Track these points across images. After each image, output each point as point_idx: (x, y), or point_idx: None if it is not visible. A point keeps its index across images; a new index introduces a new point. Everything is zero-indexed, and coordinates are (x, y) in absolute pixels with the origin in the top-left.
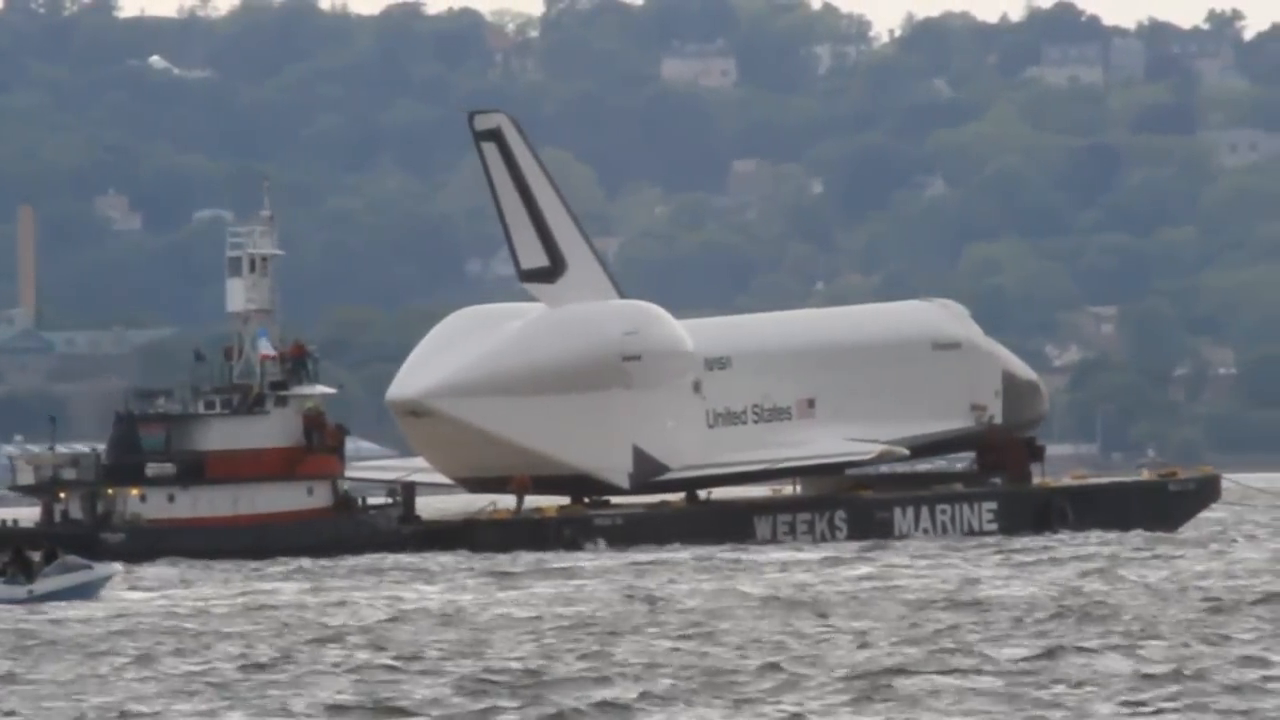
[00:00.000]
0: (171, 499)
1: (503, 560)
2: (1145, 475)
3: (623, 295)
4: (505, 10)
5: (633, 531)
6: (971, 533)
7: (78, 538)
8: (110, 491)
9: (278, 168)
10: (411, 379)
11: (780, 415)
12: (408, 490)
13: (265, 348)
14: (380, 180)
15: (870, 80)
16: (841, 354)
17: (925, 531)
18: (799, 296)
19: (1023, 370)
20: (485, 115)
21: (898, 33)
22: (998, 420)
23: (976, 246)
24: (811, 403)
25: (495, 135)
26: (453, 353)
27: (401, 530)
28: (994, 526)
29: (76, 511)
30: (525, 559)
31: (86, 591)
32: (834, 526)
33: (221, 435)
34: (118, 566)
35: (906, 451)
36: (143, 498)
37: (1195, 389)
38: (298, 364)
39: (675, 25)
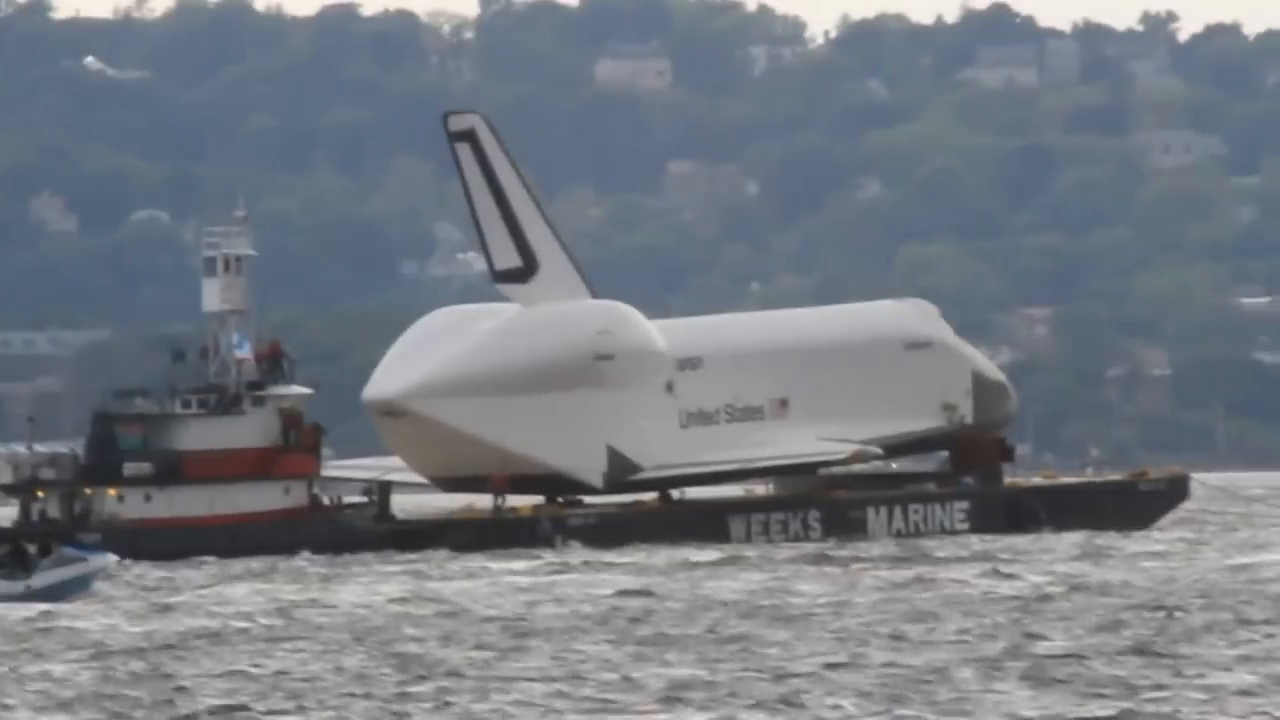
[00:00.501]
0: (148, 499)
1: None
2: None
3: (595, 295)
4: (441, 12)
5: (607, 531)
6: (944, 532)
7: (55, 537)
8: (88, 491)
9: (212, 168)
10: (387, 379)
11: (753, 415)
12: (383, 490)
13: (244, 352)
14: (315, 181)
15: (805, 81)
16: (814, 354)
17: (898, 531)
18: (734, 297)
19: (992, 370)
20: (459, 116)
21: (833, 34)
22: (969, 420)
23: (911, 247)
24: (784, 402)
25: (469, 136)
26: (428, 353)
27: (377, 529)
28: (965, 526)
29: (54, 511)
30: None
31: (82, 584)
32: (807, 526)
33: (199, 435)
34: (113, 558)
35: (880, 451)
36: (120, 497)
37: (1129, 390)
38: (274, 364)
39: (610, 26)
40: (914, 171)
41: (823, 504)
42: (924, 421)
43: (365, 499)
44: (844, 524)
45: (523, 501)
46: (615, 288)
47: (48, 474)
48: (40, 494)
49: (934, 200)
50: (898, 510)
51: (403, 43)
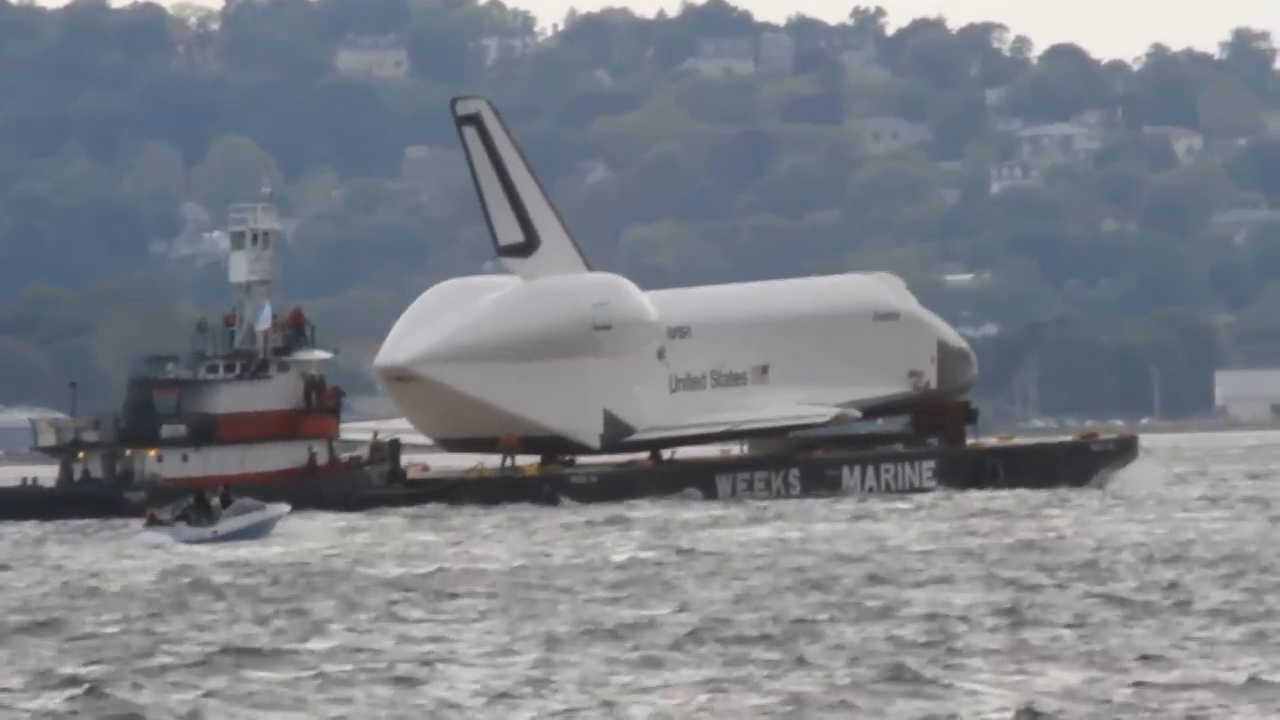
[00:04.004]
0: (185, 459)
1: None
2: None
3: (591, 269)
4: (187, 4)
5: (606, 488)
6: (912, 489)
7: (100, 497)
8: (128, 452)
9: None
10: (398, 347)
11: (736, 380)
12: (393, 449)
13: (265, 322)
14: (68, 165)
15: (536, 71)
16: (792, 324)
17: (870, 489)
18: (470, 275)
19: (955, 339)
20: (465, 101)
21: (561, 26)
22: (933, 385)
23: (636, 229)
24: (765, 369)
25: (475, 120)
26: (436, 322)
27: (393, 487)
28: (933, 484)
29: (97, 471)
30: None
31: (261, 529)
32: (788, 484)
33: (230, 398)
34: (286, 506)
35: (859, 414)
36: (159, 458)
37: None
38: (297, 331)
39: (350, 19)
40: (639, 157)
41: (802, 463)
42: (892, 387)
43: (375, 457)
44: (821, 481)
45: (524, 461)
46: (355, 265)
47: (90, 437)
48: (81, 455)
49: (658, 184)
50: (870, 469)
51: (151, 33)
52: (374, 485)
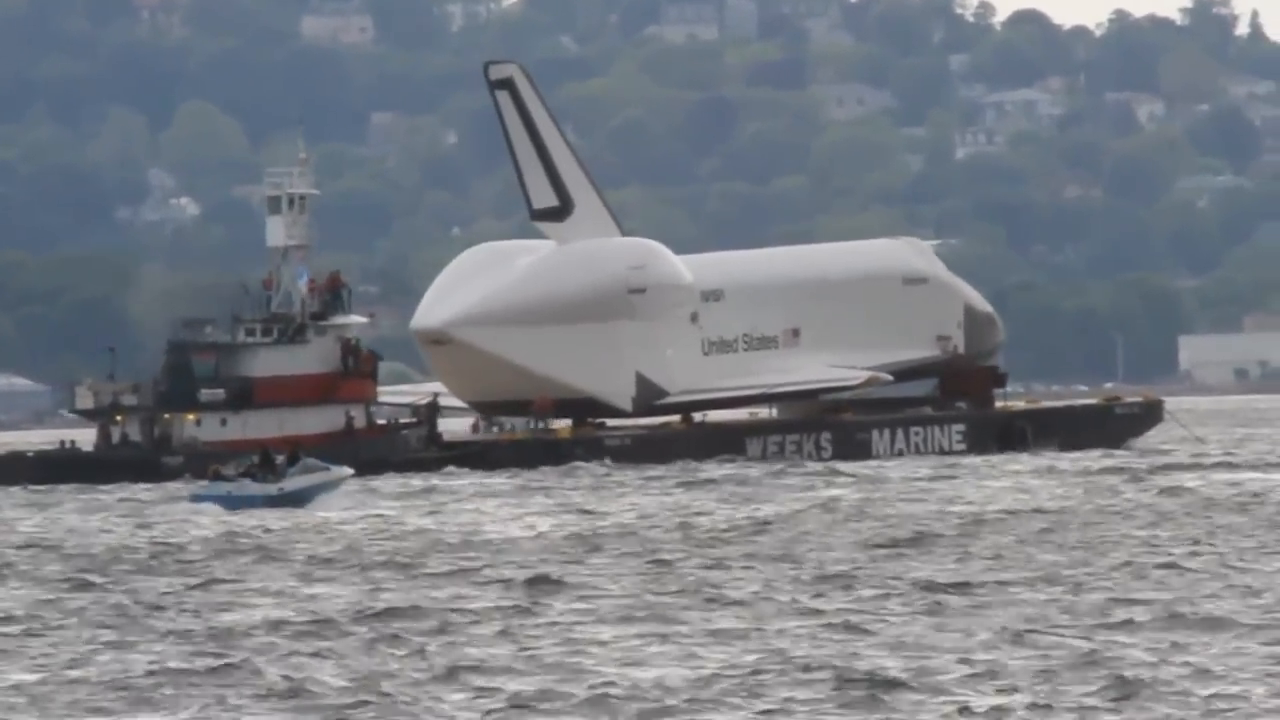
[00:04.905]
0: (224, 423)
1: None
2: None
3: (624, 234)
4: None
5: (638, 451)
6: (942, 452)
7: (139, 460)
8: (166, 416)
9: None
10: (433, 310)
11: (768, 344)
12: (431, 412)
13: (303, 287)
14: (32, 131)
15: (500, 37)
16: (823, 287)
17: (900, 452)
18: (437, 241)
19: (981, 304)
20: (499, 66)
21: None
22: (960, 349)
23: (604, 194)
24: (796, 332)
25: (508, 84)
26: (471, 285)
27: (430, 450)
28: (962, 447)
29: (135, 435)
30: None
31: (325, 490)
32: (819, 447)
33: (267, 362)
34: (349, 470)
35: (890, 378)
36: (198, 422)
37: None
38: (334, 295)
39: None
40: (604, 123)
41: (833, 426)
42: (920, 350)
43: (415, 420)
44: (852, 445)
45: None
46: (322, 231)
47: (129, 400)
48: (119, 418)
49: (624, 149)
50: (900, 432)
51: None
52: (411, 448)
